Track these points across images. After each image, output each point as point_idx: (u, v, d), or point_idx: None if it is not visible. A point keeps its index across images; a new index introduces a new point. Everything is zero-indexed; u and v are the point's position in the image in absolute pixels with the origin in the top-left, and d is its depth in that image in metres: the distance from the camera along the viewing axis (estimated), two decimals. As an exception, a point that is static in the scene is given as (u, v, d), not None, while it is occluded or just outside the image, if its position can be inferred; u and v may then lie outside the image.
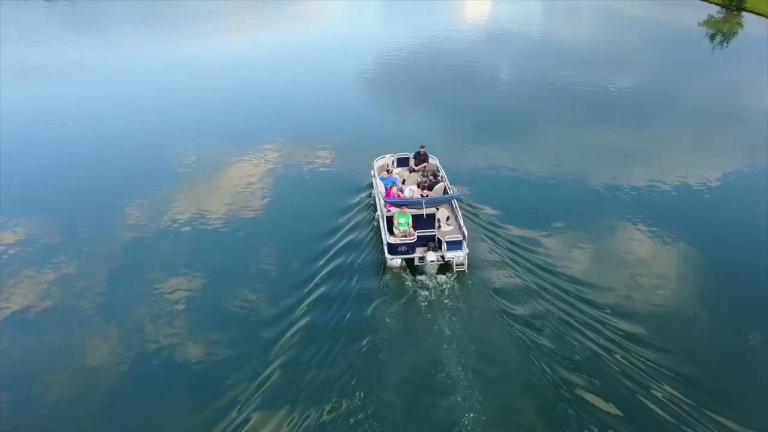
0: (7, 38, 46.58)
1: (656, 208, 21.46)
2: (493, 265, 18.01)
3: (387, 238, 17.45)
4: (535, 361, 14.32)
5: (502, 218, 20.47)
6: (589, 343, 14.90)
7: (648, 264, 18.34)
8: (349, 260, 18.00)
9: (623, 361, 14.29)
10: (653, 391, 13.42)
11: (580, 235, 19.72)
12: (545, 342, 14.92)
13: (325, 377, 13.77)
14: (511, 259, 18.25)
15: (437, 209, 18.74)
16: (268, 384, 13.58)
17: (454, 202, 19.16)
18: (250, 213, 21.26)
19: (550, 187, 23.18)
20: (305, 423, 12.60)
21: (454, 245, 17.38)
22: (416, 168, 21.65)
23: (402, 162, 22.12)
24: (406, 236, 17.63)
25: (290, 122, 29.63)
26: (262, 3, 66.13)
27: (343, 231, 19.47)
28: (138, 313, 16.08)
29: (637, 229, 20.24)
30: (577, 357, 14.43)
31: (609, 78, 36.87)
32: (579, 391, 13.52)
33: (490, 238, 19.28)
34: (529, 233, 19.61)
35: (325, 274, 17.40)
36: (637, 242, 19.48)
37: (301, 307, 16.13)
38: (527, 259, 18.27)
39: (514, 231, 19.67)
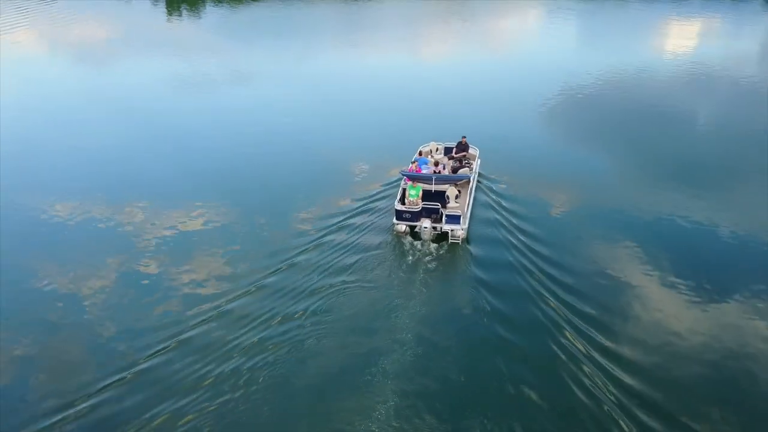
0: (216, 45, 53.81)
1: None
2: (490, 246, 20.02)
3: (396, 205, 20.16)
4: (485, 335, 15.71)
5: (526, 212, 22.01)
6: (545, 321, 16.14)
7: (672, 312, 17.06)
8: (366, 219, 21.33)
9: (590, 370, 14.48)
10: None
11: (589, 252, 19.81)
12: (506, 327, 16.08)
13: (291, 303, 16.77)
14: (511, 244, 19.93)
15: (449, 187, 20.90)
16: (240, 298, 17.11)
17: (472, 185, 21.28)
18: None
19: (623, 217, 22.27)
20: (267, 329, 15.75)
21: (452, 219, 19.70)
22: (455, 155, 23.96)
23: (448, 150, 24.54)
24: (413, 206, 20.19)
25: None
26: (453, 16, 69.08)
27: (374, 198, 22.54)
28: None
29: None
30: (526, 330, 15.78)
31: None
32: (515, 373, 14.45)
33: (501, 225, 21.15)
34: (544, 232, 20.70)
35: (341, 225, 20.84)
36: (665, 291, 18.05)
37: (309, 243, 19.74)
38: (528, 247, 19.70)
39: (530, 226, 21.01)
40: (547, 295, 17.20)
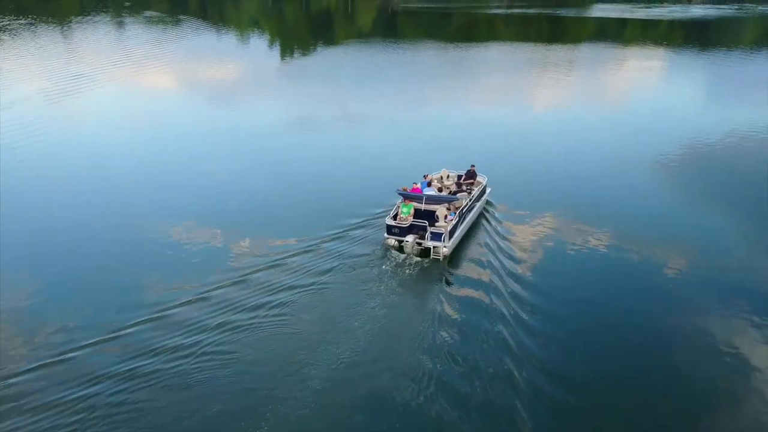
0: (318, 86, 54.72)
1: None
2: (471, 267, 21.31)
3: (387, 220, 22.00)
4: (432, 356, 16.22)
5: (524, 245, 23.00)
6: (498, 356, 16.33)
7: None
8: (365, 232, 23.26)
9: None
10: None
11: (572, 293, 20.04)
12: (455, 345, 16.80)
13: (273, 293, 18.93)
14: (493, 269, 21.04)
15: (438, 207, 22.40)
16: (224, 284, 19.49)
17: (465, 208, 22.72)
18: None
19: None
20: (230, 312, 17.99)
21: (436, 236, 21.26)
22: (463, 182, 25.42)
23: (460, 178, 26.05)
24: (402, 222, 21.95)
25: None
26: (555, 65, 68.26)
27: (377, 215, 24.34)
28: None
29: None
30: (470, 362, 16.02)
31: None
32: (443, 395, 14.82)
33: (491, 248, 22.42)
34: (535, 265, 21.50)
35: (340, 234, 22.93)
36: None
37: (307, 245, 22.05)
38: (511, 275, 20.67)
39: (521, 257, 22.00)
40: (512, 323, 17.80)
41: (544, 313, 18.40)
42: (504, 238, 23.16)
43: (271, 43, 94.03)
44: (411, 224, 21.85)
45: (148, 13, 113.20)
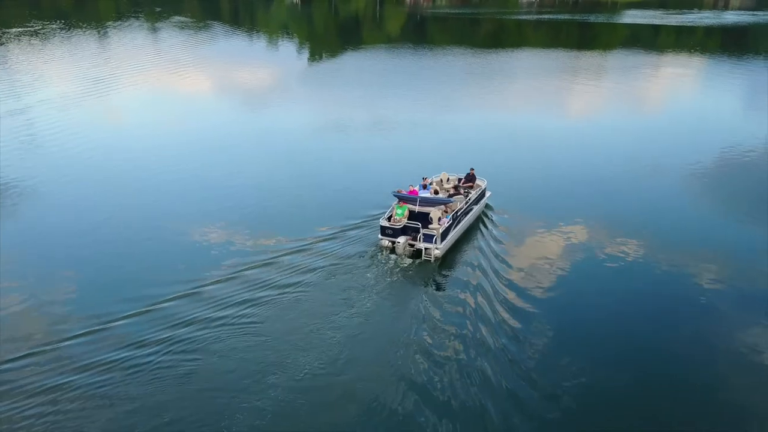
0: (344, 90, 55.25)
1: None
2: (461, 271, 21.30)
3: (381, 221, 22.14)
4: (410, 361, 16.15)
5: (519, 248, 23.03)
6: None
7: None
8: (360, 232, 23.50)
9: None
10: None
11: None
12: (439, 348, 16.78)
13: (262, 289, 19.33)
14: (483, 272, 21.02)
15: (432, 210, 22.44)
16: (220, 279, 19.93)
17: (460, 210, 22.75)
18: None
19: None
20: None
21: (428, 238, 21.32)
22: (463, 185, 25.41)
23: (459, 181, 26.06)
24: (396, 223, 22.06)
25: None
26: (586, 71, 67.40)
27: (375, 216, 24.42)
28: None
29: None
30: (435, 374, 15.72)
31: None
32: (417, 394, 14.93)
33: (484, 252, 22.46)
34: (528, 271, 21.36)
35: (336, 234, 23.24)
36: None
37: (301, 244, 22.36)
38: (503, 279, 20.63)
39: (513, 259, 22.04)
40: (498, 328, 17.68)
41: (535, 320, 18.26)
42: (499, 242, 23.16)
43: (300, 47, 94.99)
44: (404, 226, 21.96)
45: (181, 19, 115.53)
